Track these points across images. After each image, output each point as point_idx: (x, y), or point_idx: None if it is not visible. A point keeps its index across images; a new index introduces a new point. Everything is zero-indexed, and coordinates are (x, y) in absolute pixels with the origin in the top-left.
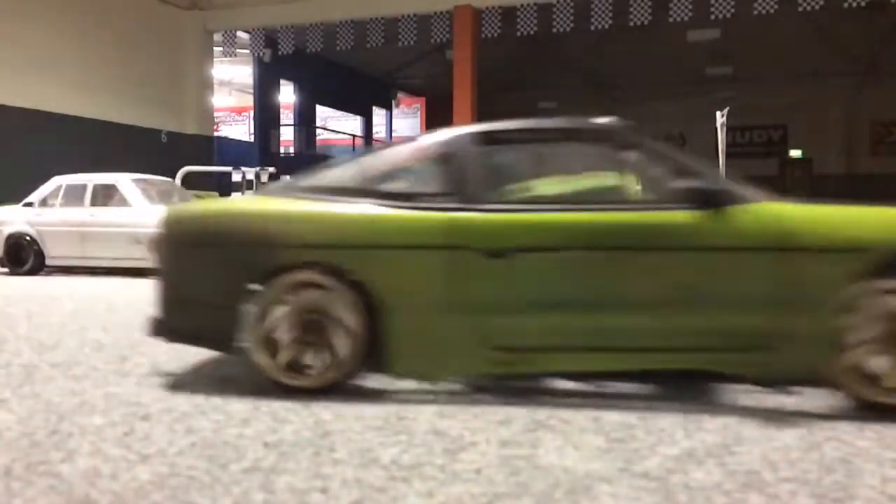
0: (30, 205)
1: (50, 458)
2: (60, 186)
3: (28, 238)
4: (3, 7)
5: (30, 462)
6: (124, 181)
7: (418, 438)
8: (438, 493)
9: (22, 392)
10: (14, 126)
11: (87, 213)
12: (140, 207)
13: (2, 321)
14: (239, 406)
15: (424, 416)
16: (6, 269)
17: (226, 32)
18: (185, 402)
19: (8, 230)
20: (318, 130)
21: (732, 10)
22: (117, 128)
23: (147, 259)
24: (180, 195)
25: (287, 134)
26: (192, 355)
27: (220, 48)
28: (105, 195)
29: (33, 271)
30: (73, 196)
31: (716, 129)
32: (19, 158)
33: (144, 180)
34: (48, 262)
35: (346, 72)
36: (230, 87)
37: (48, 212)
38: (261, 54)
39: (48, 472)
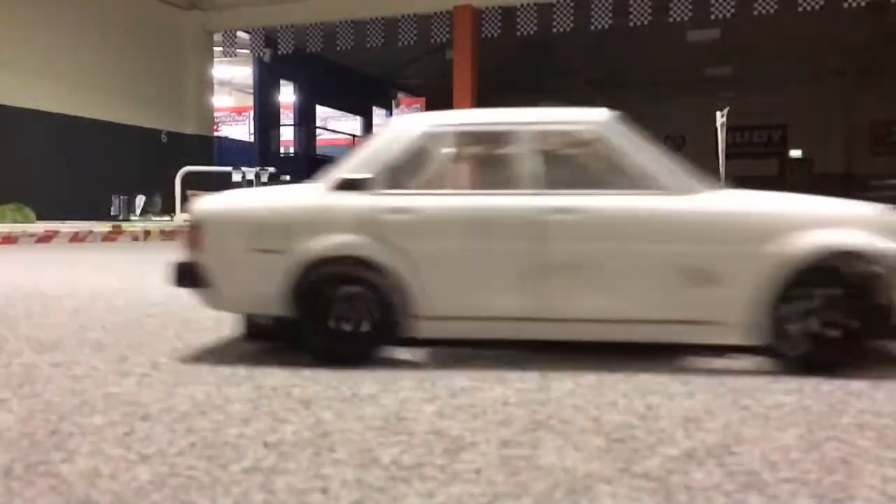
0: (350, 185)
1: (50, 458)
2: (425, 137)
3: (375, 266)
4: (3, 8)
5: (30, 462)
6: (614, 128)
7: (418, 438)
8: (438, 494)
9: (22, 392)
10: (11, 126)
11: (549, 207)
12: (689, 192)
13: (2, 321)
14: (239, 406)
15: (424, 416)
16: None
17: (226, 32)
18: (185, 402)
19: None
20: (318, 130)
21: (732, 10)
22: (117, 128)
23: (721, 327)
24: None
25: (287, 134)
26: (192, 355)
27: (220, 48)
28: (553, 166)
29: (362, 351)
30: (478, 164)
31: (716, 129)
32: (17, 158)
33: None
34: (428, 326)
35: (346, 72)
36: (230, 87)
37: (418, 201)
38: (261, 54)
39: (48, 472)
